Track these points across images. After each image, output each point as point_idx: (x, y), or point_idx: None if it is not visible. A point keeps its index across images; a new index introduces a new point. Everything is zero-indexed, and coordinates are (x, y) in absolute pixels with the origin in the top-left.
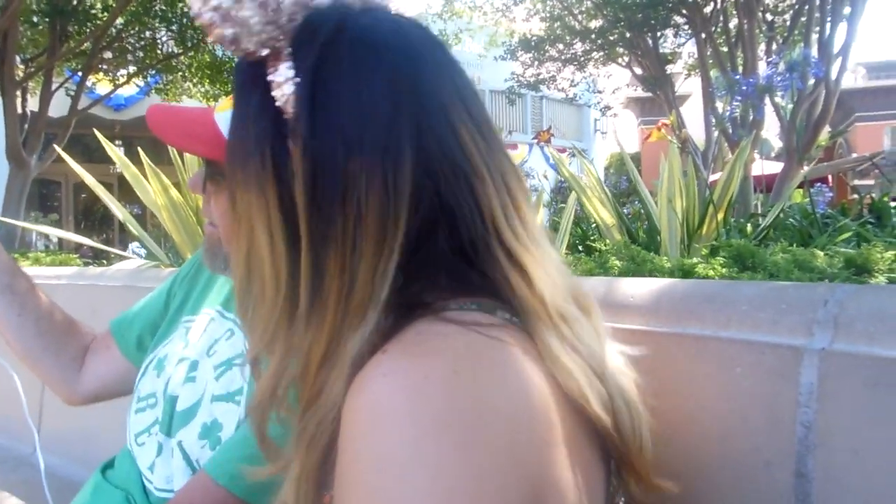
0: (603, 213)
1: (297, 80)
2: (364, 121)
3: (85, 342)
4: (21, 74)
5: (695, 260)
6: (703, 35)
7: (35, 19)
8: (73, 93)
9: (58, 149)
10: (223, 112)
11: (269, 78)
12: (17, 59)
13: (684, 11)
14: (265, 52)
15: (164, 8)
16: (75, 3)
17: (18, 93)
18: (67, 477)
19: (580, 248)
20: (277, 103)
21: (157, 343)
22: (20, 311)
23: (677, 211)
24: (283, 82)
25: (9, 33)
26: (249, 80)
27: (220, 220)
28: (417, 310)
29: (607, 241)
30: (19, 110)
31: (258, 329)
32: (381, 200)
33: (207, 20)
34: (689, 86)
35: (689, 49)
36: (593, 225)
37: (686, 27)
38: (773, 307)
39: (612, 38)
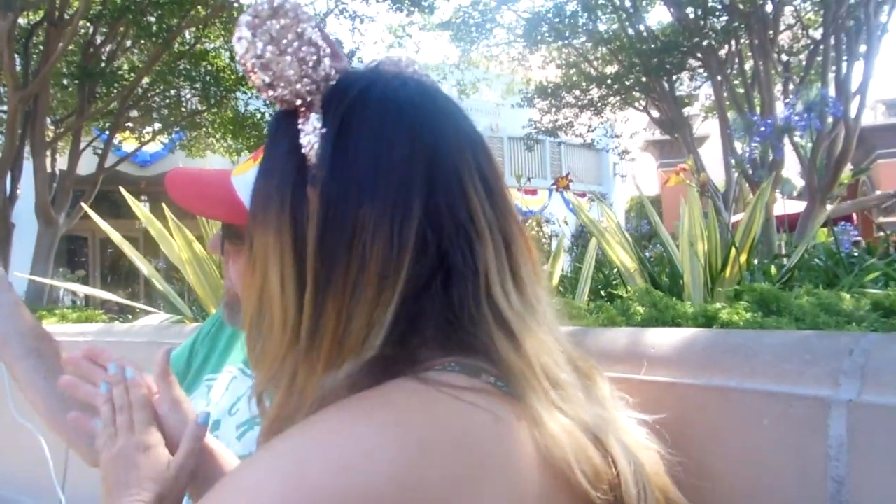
0: (624, 258)
1: (323, 130)
2: (379, 172)
3: None
4: (51, 135)
5: (718, 305)
6: (720, 77)
7: (65, 82)
8: (100, 151)
9: (84, 206)
10: (240, 175)
11: (299, 127)
12: (48, 120)
13: (699, 55)
14: (299, 102)
15: (188, 67)
16: (103, 65)
17: (48, 152)
18: None
19: (602, 293)
20: (303, 150)
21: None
22: (46, 374)
23: (699, 255)
24: (311, 132)
25: (40, 96)
26: (282, 129)
27: (236, 279)
28: (405, 366)
29: (629, 286)
30: (48, 169)
31: (265, 364)
32: (386, 249)
33: (250, 67)
34: (707, 127)
35: (707, 91)
36: (615, 270)
37: (702, 70)
38: (799, 357)
39: (628, 82)
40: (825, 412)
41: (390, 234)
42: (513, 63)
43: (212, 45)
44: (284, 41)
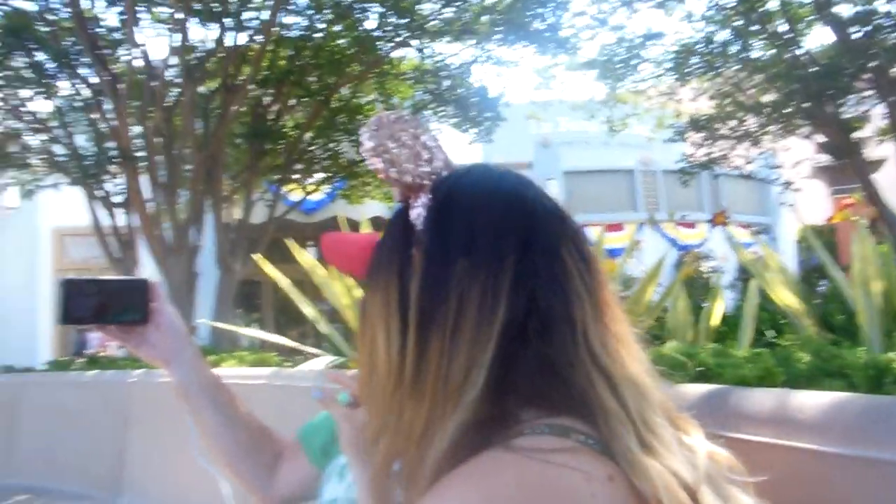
0: (788, 299)
1: (429, 202)
2: (476, 231)
3: (277, 449)
4: (227, 190)
5: (892, 355)
6: (893, 98)
7: (238, 141)
8: (270, 202)
9: (256, 257)
10: None
11: (411, 203)
12: (224, 176)
13: (867, 76)
14: (411, 183)
15: (345, 121)
16: (270, 124)
17: (225, 205)
18: None
19: (764, 334)
20: (412, 219)
21: (339, 450)
22: (223, 422)
23: (873, 296)
24: (420, 206)
25: (217, 156)
26: (399, 211)
27: None
28: (498, 430)
29: (794, 328)
30: (226, 221)
31: (375, 409)
32: (481, 296)
33: (372, 154)
34: (883, 150)
35: (880, 111)
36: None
37: (871, 92)
38: None
39: (787, 110)
40: None
41: (485, 284)
42: (662, 97)
43: (366, 99)
44: (403, 138)
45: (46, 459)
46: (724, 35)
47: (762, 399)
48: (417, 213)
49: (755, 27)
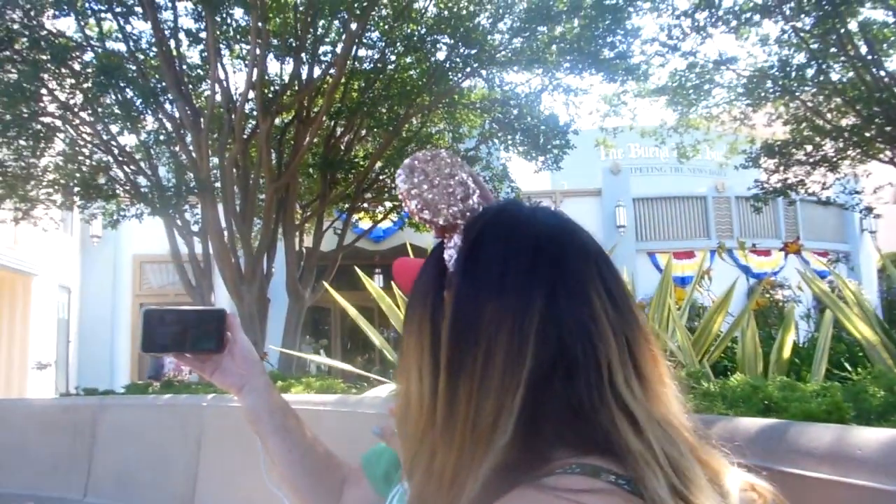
0: (865, 331)
1: (460, 245)
2: (505, 276)
3: (342, 474)
4: (299, 218)
5: None
6: None
7: (311, 171)
8: (339, 230)
9: (326, 285)
10: None
11: (446, 242)
12: (297, 205)
13: None
14: (444, 224)
15: (415, 151)
16: (342, 154)
17: (296, 234)
18: None
19: (841, 367)
20: (446, 260)
21: (401, 476)
22: (291, 447)
23: None
24: (452, 247)
25: (290, 186)
26: (435, 251)
27: None
28: (528, 469)
29: (872, 361)
30: (296, 248)
31: (408, 446)
32: (509, 341)
33: (405, 194)
34: None
35: None
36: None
37: None
38: None
39: (868, 134)
40: None
41: (513, 328)
42: (735, 122)
43: (435, 129)
44: (437, 179)
45: (122, 479)
46: (800, 58)
47: (821, 434)
48: (450, 254)
49: (834, 49)
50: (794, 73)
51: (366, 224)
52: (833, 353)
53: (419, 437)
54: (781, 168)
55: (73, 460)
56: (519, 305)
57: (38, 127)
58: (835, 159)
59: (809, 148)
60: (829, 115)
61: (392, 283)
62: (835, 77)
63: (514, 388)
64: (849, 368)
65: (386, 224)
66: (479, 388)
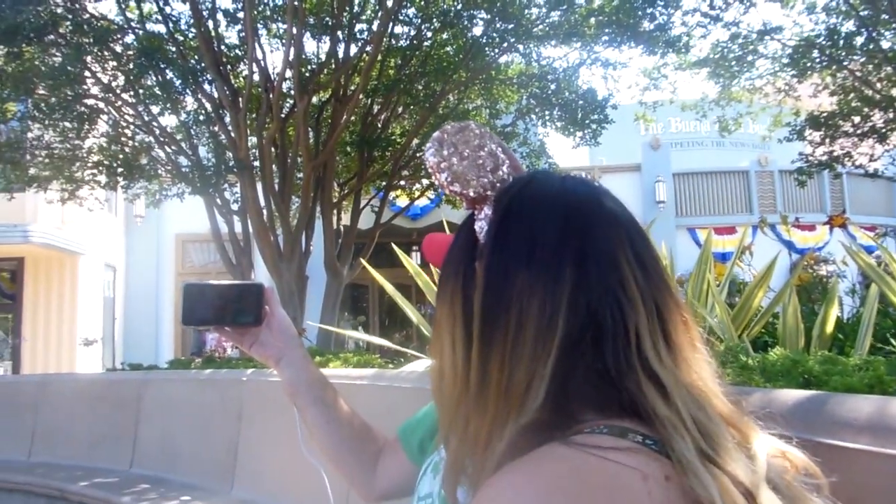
0: None
1: (491, 216)
2: (534, 245)
3: (378, 446)
4: (336, 196)
5: None
6: None
7: (348, 149)
8: (377, 208)
9: (363, 262)
10: None
11: (475, 216)
12: (334, 183)
13: None
14: (475, 197)
15: None
16: (379, 132)
17: (334, 212)
18: None
19: (887, 340)
20: (476, 231)
21: (435, 446)
22: (328, 419)
23: None
24: (483, 219)
25: (328, 164)
26: (465, 223)
27: None
28: (558, 428)
29: None
30: (334, 226)
31: (444, 413)
32: (540, 310)
33: (435, 168)
34: None
35: None
36: None
37: None
38: None
39: None
40: None
41: (543, 297)
42: (779, 94)
43: (472, 105)
44: (466, 151)
45: (166, 450)
46: (849, 26)
47: (861, 405)
48: (480, 225)
49: (885, 16)
50: (842, 42)
51: (403, 202)
52: (878, 328)
53: (454, 406)
54: (827, 140)
55: (119, 433)
56: (549, 276)
57: (82, 109)
58: (884, 130)
59: (857, 119)
60: (878, 85)
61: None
62: (885, 45)
63: (545, 356)
64: (894, 344)
65: (423, 201)
66: (510, 357)
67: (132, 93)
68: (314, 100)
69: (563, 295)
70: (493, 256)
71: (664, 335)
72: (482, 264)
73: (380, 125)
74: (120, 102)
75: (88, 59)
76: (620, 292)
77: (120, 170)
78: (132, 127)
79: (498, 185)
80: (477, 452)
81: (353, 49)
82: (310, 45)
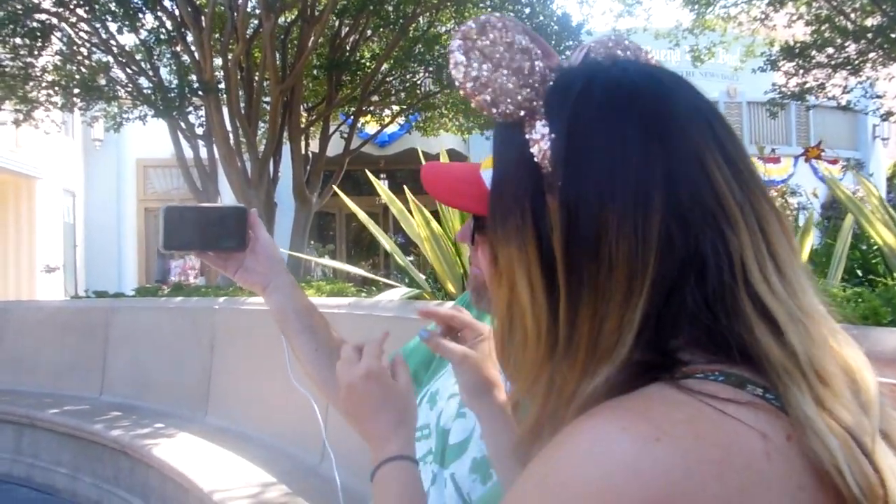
0: (888, 237)
1: (552, 136)
2: (615, 171)
3: None
4: (304, 122)
5: None
6: None
7: (315, 73)
8: (346, 134)
9: (335, 188)
10: (488, 170)
11: (527, 136)
12: (302, 108)
13: None
14: (522, 112)
15: (422, 51)
16: (348, 55)
17: (302, 138)
18: (352, 488)
19: (859, 274)
20: (535, 159)
21: (430, 377)
22: (317, 346)
23: None
24: (540, 139)
25: (295, 89)
26: (507, 140)
27: (485, 267)
28: (664, 370)
29: (891, 268)
30: (302, 153)
31: (522, 374)
32: (630, 248)
33: (469, 90)
34: None
35: None
36: (874, 248)
37: None
38: None
39: (894, 34)
40: None
41: (633, 232)
42: (753, 23)
43: (444, 28)
44: (497, 56)
45: (137, 378)
46: None
47: (879, 338)
48: (539, 149)
49: None
50: None
51: (372, 128)
52: (848, 259)
53: (537, 365)
54: (801, 71)
55: (88, 360)
56: (637, 206)
57: (33, 25)
58: (857, 62)
59: (831, 50)
60: (852, 15)
61: (404, 188)
62: None
63: (637, 301)
64: (860, 275)
65: (392, 128)
66: (601, 307)
67: (87, 8)
68: (280, 20)
69: (655, 228)
70: (570, 190)
71: (770, 253)
72: (556, 200)
73: (348, 48)
74: (74, 18)
75: None
76: (720, 212)
77: (76, 90)
78: (88, 45)
79: (540, 88)
80: (559, 414)
81: None
82: None
